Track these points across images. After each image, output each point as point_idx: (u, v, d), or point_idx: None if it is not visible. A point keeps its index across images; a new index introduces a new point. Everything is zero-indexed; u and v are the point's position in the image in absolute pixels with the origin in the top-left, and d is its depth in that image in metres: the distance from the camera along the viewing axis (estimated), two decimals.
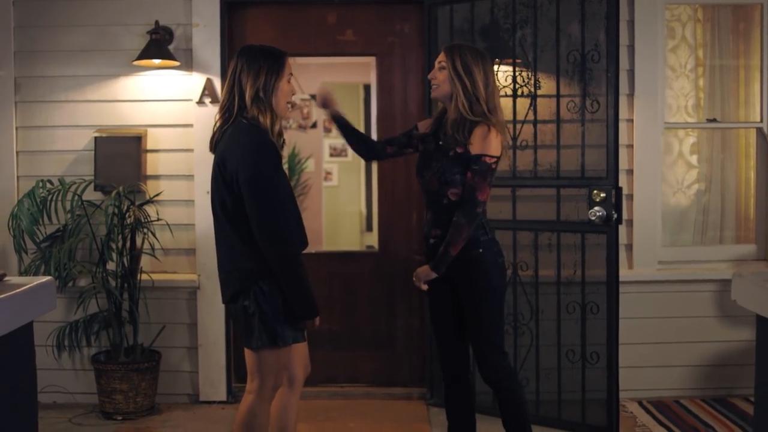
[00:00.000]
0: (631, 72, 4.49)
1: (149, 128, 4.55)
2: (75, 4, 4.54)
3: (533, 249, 4.15)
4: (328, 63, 7.20)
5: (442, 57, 3.28)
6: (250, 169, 2.83)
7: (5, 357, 2.43)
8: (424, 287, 3.31)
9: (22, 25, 4.55)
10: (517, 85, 4.15)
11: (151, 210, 4.41)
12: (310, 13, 4.69)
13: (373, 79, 4.92)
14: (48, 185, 4.30)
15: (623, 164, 4.40)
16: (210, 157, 3.04)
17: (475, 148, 3.16)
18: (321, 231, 7.93)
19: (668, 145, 4.77)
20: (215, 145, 3.01)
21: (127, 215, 4.27)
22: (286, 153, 3.18)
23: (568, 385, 4.10)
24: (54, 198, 4.27)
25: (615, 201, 3.91)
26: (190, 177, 4.54)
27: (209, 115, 4.34)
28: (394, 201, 4.75)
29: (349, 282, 4.79)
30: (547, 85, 4.14)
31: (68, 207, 4.29)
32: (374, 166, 4.90)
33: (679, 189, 4.83)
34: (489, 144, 3.15)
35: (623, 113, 4.39)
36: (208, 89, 4.49)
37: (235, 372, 4.65)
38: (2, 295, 2.37)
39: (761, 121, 4.63)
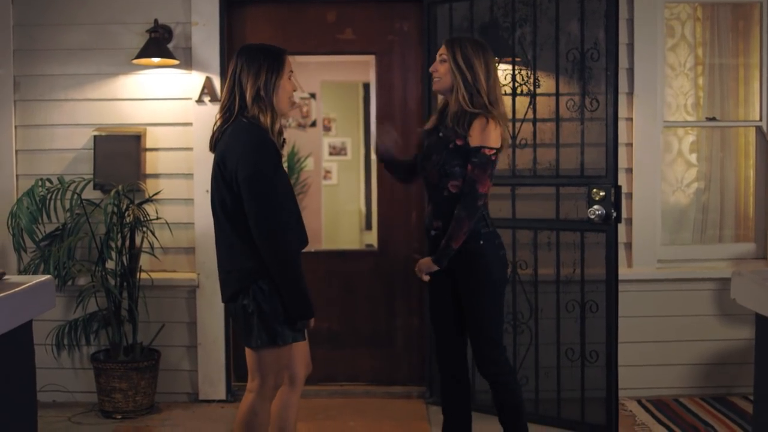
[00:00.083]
0: (631, 70, 4.49)
1: (148, 127, 4.55)
2: (74, 2, 4.54)
3: (532, 248, 4.15)
4: (327, 61, 7.21)
5: (443, 50, 3.28)
6: (250, 168, 2.83)
7: (4, 356, 2.43)
8: (426, 278, 3.33)
9: (22, 24, 4.54)
10: (517, 84, 4.15)
11: (150, 209, 4.41)
12: (309, 12, 4.69)
13: (372, 78, 4.92)
14: (47, 184, 4.30)
15: (622, 163, 4.40)
16: (209, 156, 3.04)
17: (474, 141, 3.16)
18: (320, 230, 7.93)
19: (668, 144, 4.77)
20: (215, 144, 3.01)
21: (126, 214, 4.27)
22: (285, 152, 3.17)
23: (567, 384, 4.10)
24: (53, 197, 4.26)
25: (614, 199, 3.91)
26: (189, 176, 4.54)
27: (209, 113, 4.35)
28: (393, 200, 4.75)
29: (349, 281, 4.79)
30: (547, 83, 4.14)
31: (67, 206, 4.29)
32: (374, 165, 4.90)
33: (679, 188, 4.83)
34: (488, 136, 3.15)
35: (622, 112, 4.39)
36: (207, 88, 4.49)
37: (235, 371, 4.65)
38: (1, 294, 2.37)
39: (760, 119, 4.63)
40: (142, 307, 4.39)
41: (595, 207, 3.93)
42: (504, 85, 4.15)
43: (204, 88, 4.49)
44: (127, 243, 4.33)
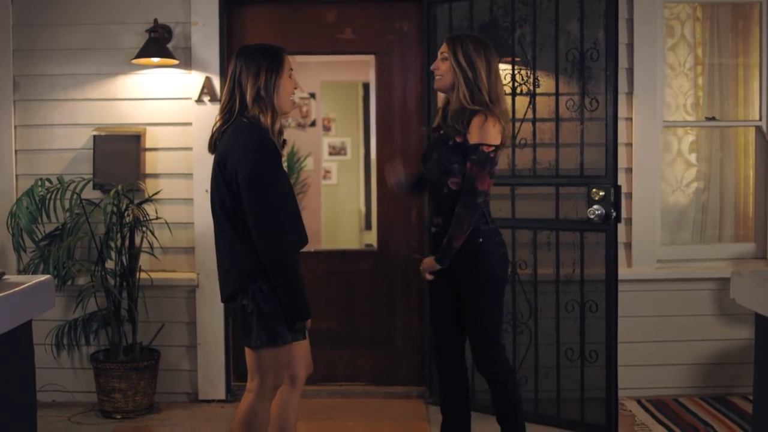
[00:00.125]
0: (630, 70, 4.49)
1: (148, 127, 4.55)
2: (74, 2, 4.54)
3: (532, 247, 4.15)
4: (327, 61, 7.21)
5: (444, 47, 3.28)
6: (250, 167, 2.83)
7: (4, 356, 2.43)
8: (429, 278, 3.33)
9: (21, 24, 4.54)
10: (516, 84, 4.15)
11: (150, 208, 4.41)
12: (309, 12, 4.69)
13: (372, 78, 4.92)
14: (47, 184, 4.30)
15: (622, 163, 4.40)
16: (209, 156, 3.04)
17: (473, 138, 3.16)
18: (320, 229, 7.93)
19: (667, 144, 4.77)
20: (214, 145, 3.01)
21: (126, 214, 4.27)
22: (285, 152, 3.17)
23: (567, 384, 4.10)
24: (53, 197, 4.26)
25: (614, 199, 3.91)
26: (189, 175, 4.54)
27: (208, 113, 4.35)
28: (393, 199, 4.74)
29: (348, 281, 4.79)
30: (546, 83, 4.14)
31: (67, 206, 4.29)
32: (373, 165, 4.90)
33: (678, 187, 4.83)
34: (486, 133, 3.15)
35: (622, 112, 4.39)
36: (207, 88, 4.49)
37: (234, 371, 4.65)
38: (1, 294, 2.37)
39: (760, 119, 4.63)
40: (141, 307, 4.39)
41: (595, 207, 3.93)
42: (504, 85, 4.14)
43: (203, 88, 4.49)
44: (127, 243, 4.33)
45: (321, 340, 4.57)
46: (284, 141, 3.04)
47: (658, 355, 4.55)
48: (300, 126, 8.07)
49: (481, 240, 3.23)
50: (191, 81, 4.52)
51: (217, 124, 3.01)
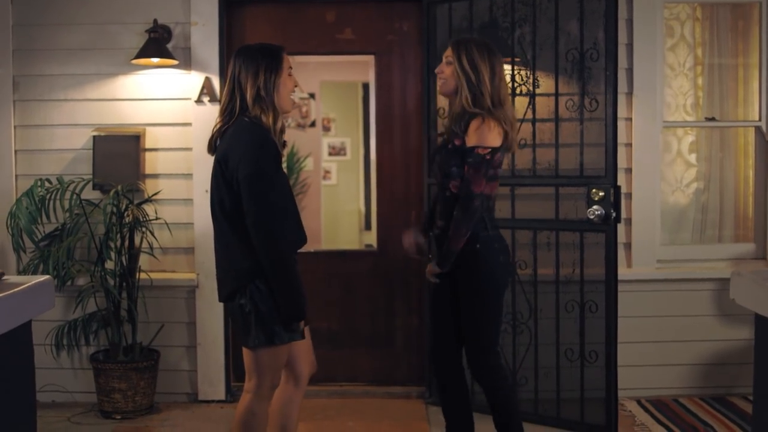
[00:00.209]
0: (630, 70, 4.49)
1: (148, 127, 4.55)
2: (74, 2, 4.53)
3: (532, 248, 4.15)
4: (326, 61, 7.21)
5: (449, 52, 3.27)
6: (251, 166, 2.83)
7: (4, 356, 2.42)
8: (434, 280, 3.32)
9: (21, 24, 4.54)
10: (516, 84, 4.15)
11: (149, 209, 4.41)
12: (309, 12, 4.69)
13: (371, 78, 4.92)
14: (46, 184, 4.30)
15: (622, 163, 4.40)
16: (209, 156, 3.04)
17: (470, 140, 3.16)
18: (320, 230, 7.92)
19: (667, 144, 4.77)
20: (214, 145, 3.01)
21: (125, 214, 4.27)
22: (285, 152, 3.17)
23: (566, 384, 4.10)
24: (52, 197, 4.26)
25: (614, 200, 3.91)
26: (188, 176, 4.54)
27: (208, 113, 4.35)
28: (392, 200, 4.75)
29: (348, 281, 4.79)
30: (546, 83, 4.14)
31: (67, 206, 4.28)
32: (373, 165, 4.90)
33: (678, 188, 4.83)
34: (483, 135, 3.13)
35: (622, 112, 4.39)
36: (206, 88, 4.49)
37: (234, 371, 4.65)
38: (1, 294, 2.37)
39: (760, 119, 4.63)
40: (141, 307, 4.39)
41: (595, 207, 3.93)
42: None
43: (203, 88, 4.49)
44: (127, 243, 4.33)
45: (321, 341, 4.55)
46: (284, 142, 3.04)
47: (658, 355, 4.55)
48: (300, 126, 8.06)
49: (478, 246, 3.19)
50: (191, 81, 4.52)
51: (217, 125, 3.01)
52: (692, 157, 4.83)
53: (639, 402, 4.48)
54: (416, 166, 4.65)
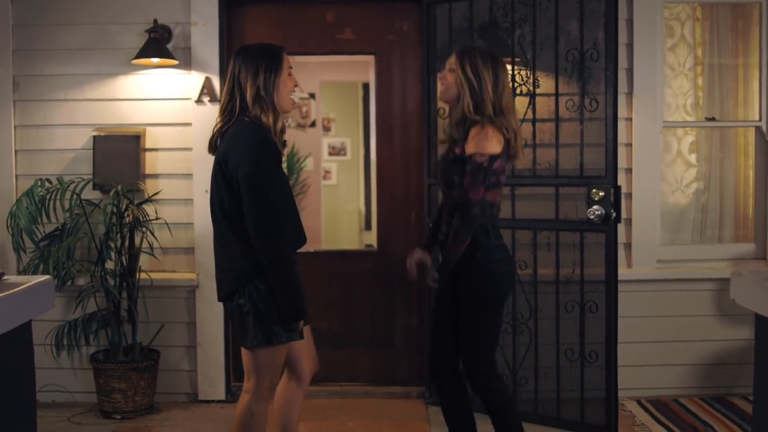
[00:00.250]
0: (630, 71, 4.49)
1: (148, 127, 4.55)
2: (74, 2, 4.54)
3: (532, 248, 4.15)
4: (327, 61, 7.21)
5: (453, 59, 3.24)
6: (251, 166, 2.83)
7: (4, 356, 2.42)
8: (435, 285, 3.30)
9: (21, 24, 4.54)
10: (516, 84, 4.15)
11: (149, 209, 4.41)
12: (309, 12, 4.69)
13: (372, 78, 4.92)
14: (47, 184, 4.30)
15: (622, 163, 4.40)
16: (209, 156, 3.04)
17: (468, 148, 3.12)
18: (320, 230, 7.93)
19: (667, 144, 4.77)
20: (214, 145, 3.01)
21: (125, 214, 4.27)
22: (285, 152, 3.17)
23: (566, 384, 4.10)
24: (53, 197, 4.26)
25: (614, 200, 3.91)
26: (188, 176, 4.54)
27: (208, 113, 4.35)
28: (393, 200, 4.75)
29: (348, 281, 4.79)
30: (546, 83, 4.14)
31: (67, 206, 4.28)
32: (373, 165, 4.91)
33: (678, 188, 4.83)
34: (481, 142, 3.09)
35: (622, 112, 4.39)
36: (206, 88, 4.49)
37: (234, 371, 4.65)
38: (1, 294, 2.37)
39: (760, 119, 4.63)
40: (141, 307, 4.39)
41: (595, 207, 3.93)
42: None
43: (203, 88, 4.49)
44: (127, 243, 4.33)
45: (321, 340, 4.54)
46: (284, 141, 3.04)
47: (658, 355, 4.55)
48: (300, 126, 8.06)
49: (479, 254, 3.15)
50: (191, 81, 4.52)
51: (218, 125, 3.01)
52: (692, 157, 4.83)
53: (639, 402, 4.48)
54: (416, 166, 4.65)
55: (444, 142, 3.39)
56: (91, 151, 4.47)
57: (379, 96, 4.76)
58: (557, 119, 4.09)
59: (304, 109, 8.05)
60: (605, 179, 3.94)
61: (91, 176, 4.43)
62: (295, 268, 2.91)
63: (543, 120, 4.13)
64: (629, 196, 4.51)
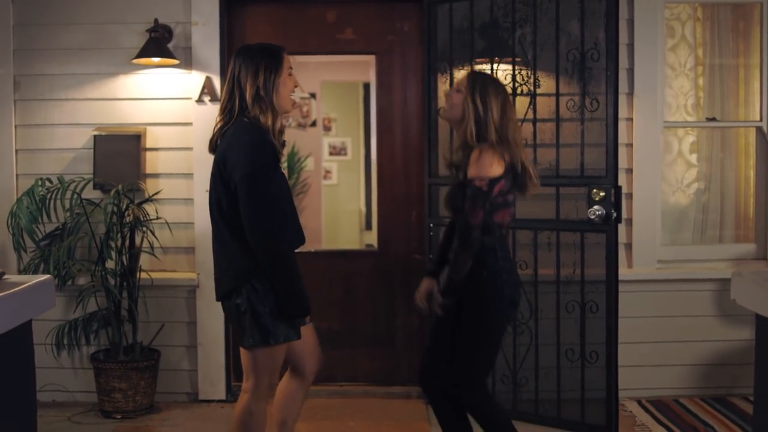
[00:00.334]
0: (631, 71, 4.49)
1: (148, 126, 4.55)
2: (74, 2, 4.54)
3: (532, 248, 4.15)
4: (327, 61, 7.21)
5: (462, 81, 3.22)
6: (247, 167, 2.83)
7: (4, 355, 2.43)
8: (439, 312, 3.18)
9: (22, 23, 4.54)
10: (517, 84, 4.15)
11: (150, 208, 4.41)
12: (309, 12, 4.69)
13: (372, 78, 4.92)
14: (47, 183, 4.30)
15: (623, 163, 4.40)
16: (209, 156, 3.04)
17: (469, 172, 3.08)
18: (320, 230, 7.92)
19: (668, 144, 4.77)
20: (215, 145, 3.01)
21: (126, 214, 4.27)
22: (285, 152, 3.17)
23: (567, 384, 4.09)
24: (53, 196, 4.26)
25: (614, 200, 3.91)
26: (189, 175, 4.54)
27: (209, 113, 4.35)
28: (393, 200, 4.75)
29: (349, 281, 4.79)
30: (547, 83, 4.14)
31: (67, 205, 4.29)
32: (374, 165, 4.91)
33: (679, 188, 4.83)
34: (480, 167, 3.04)
35: (623, 112, 4.39)
36: (207, 88, 4.49)
37: (235, 370, 4.64)
38: (1, 294, 2.37)
39: (761, 120, 4.63)
40: (141, 306, 4.39)
41: (595, 207, 3.93)
42: (504, 85, 4.14)
43: (204, 87, 4.49)
44: (127, 243, 4.33)
45: (321, 340, 4.50)
46: (284, 142, 3.04)
47: (659, 355, 4.55)
48: (300, 126, 8.06)
49: (485, 274, 3.10)
50: (191, 81, 4.52)
51: (218, 125, 3.01)
52: (693, 158, 4.83)
53: (639, 402, 4.48)
54: (417, 165, 4.65)
55: (450, 168, 3.34)
56: (92, 151, 4.47)
57: (379, 96, 4.76)
58: (558, 119, 4.09)
59: (304, 109, 8.05)
60: (606, 179, 3.94)
61: (91, 176, 4.43)
62: (296, 266, 2.91)
63: (544, 120, 4.13)
64: (630, 196, 4.51)
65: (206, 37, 4.51)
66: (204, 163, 4.15)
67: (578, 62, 4.03)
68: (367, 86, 7.99)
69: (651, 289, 4.53)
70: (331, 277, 4.77)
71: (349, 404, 4.55)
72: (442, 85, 4.36)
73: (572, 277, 4.09)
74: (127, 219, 4.28)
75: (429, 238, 4.42)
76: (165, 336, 4.52)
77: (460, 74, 4.31)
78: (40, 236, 4.31)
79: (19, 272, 4.33)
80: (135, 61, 4.39)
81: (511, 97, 3.27)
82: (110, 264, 4.34)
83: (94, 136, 4.47)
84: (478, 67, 4.28)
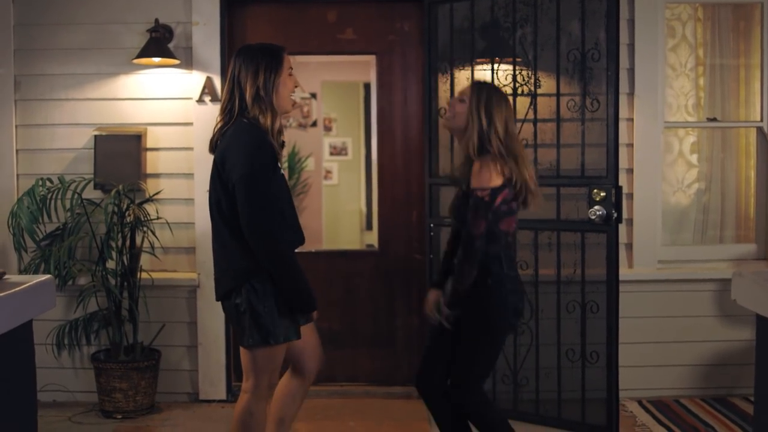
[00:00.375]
0: (632, 71, 4.49)
1: (149, 126, 4.55)
2: (75, 2, 4.54)
3: (533, 248, 4.14)
4: (328, 61, 7.21)
5: (466, 91, 3.21)
6: (245, 168, 2.84)
7: (5, 355, 2.43)
8: (448, 325, 3.16)
9: (22, 23, 4.55)
10: (517, 84, 4.15)
11: (150, 208, 4.41)
12: (310, 12, 4.69)
13: (373, 78, 4.92)
14: (48, 183, 4.30)
15: (623, 163, 4.40)
16: (210, 156, 3.04)
17: (472, 183, 3.08)
18: (321, 230, 7.92)
19: (668, 144, 4.77)
20: (215, 145, 3.01)
21: (126, 214, 4.27)
22: (286, 152, 3.17)
23: (567, 385, 4.09)
24: (54, 196, 4.26)
25: (615, 200, 3.91)
26: (189, 175, 4.54)
27: (209, 113, 4.35)
28: (394, 200, 4.75)
29: (349, 281, 4.79)
30: (547, 83, 4.14)
31: (68, 205, 4.29)
32: (374, 165, 4.91)
33: (679, 188, 4.83)
34: (481, 177, 3.04)
35: (623, 112, 4.39)
36: (207, 87, 4.49)
37: (235, 370, 4.64)
38: (2, 294, 2.37)
39: (761, 120, 4.63)
40: (142, 306, 4.39)
41: (596, 207, 3.93)
42: (505, 86, 4.15)
43: (205, 87, 4.49)
44: (128, 243, 4.33)
45: (322, 340, 4.51)
46: (283, 142, 3.04)
47: (659, 355, 4.54)
48: (301, 126, 8.07)
49: (489, 282, 3.10)
50: (192, 81, 4.52)
51: (218, 125, 3.01)
52: (693, 158, 4.83)
53: (640, 402, 4.48)
54: (417, 166, 4.65)
55: (453, 182, 3.33)
56: (93, 151, 4.47)
57: (380, 96, 4.76)
58: (558, 119, 4.09)
59: (305, 109, 8.05)
60: (606, 179, 3.94)
61: (92, 176, 4.44)
62: (297, 264, 2.92)
63: (544, 120, 4.13)
64: (630, 196, 4.51)
65: (207, 37, 4.51)
66: (204, 164, 4.14)
67: (579, 62, 4.03)
68: (367, 86, 7.99)
69: (651, 289, 4.53)
70: (331, 277, 4.78)
71: (350, 404, 4.55)
72: (443, 85, 4.36)
73: (573, 278, 4.09)
74: (128, 219, 4.28)
75: (429, 238, 4.42)
76: (165, 336, 4.52)
77: (460, 74, 4.31)
78: (41, 236, 4.31)
79: (20, 272, 4.33)
80: (136, 61, 4.39)
81: (511, 107, 3.24)
82: (111, 264, 4.34)
83: (95, 136, 4.47)
84: (478, 67, 4.28)
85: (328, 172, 8.71)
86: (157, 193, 4.49)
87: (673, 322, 4.54)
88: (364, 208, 8.59)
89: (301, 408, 3.27)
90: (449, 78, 4.33)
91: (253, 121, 2.92)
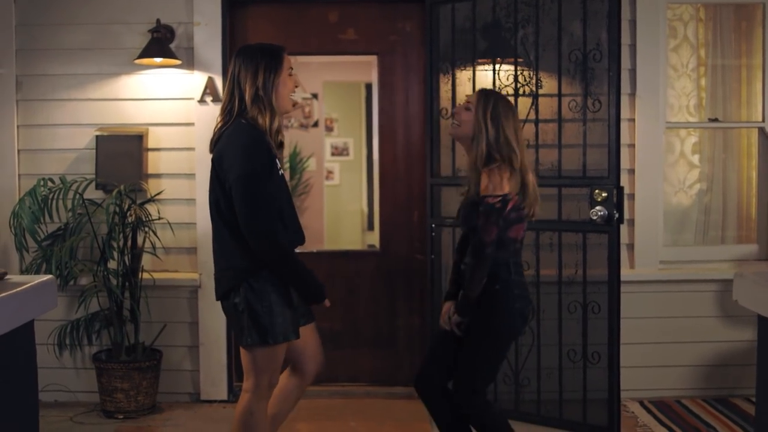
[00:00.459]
0: (633, 71, 4.49)
1: (150, 127, 4.55)
2: (76, 2, 4.54)
3: (535, 248, 4.14)
4: (329, 62, 7.22)
5: (473, 99, 3.20)
6: (241, 168, 2.84)
7: (6, 355, 2.43)
8: (459, 333, 3.15)
9: (24, 23, 4.55)
10: (519, 85, 4.15)
11: (152, 209, 4.41)
12: (311, 12, 4.69)
13: (374, 78, 4.93)
14: (49, 184, 4.30)
15: (625, 164, 4.40)
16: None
17: (482, 190, 3.08)
18: (322, 230, 7.92)
19: (670, 145, 4.77)
20: (214, 145, 3.02)
21: (128, 214, 4.27)
22: (287, 152, 3.18)
23: (569, 385, 4.09)
24: (55, 196, 4.26)
25: (616, 200, 3.91)
26: (191, 176, 4.55)
27: (210, 113, 4.35)
28: (395, 200, 4.75)
29: (351, 281, 4.79)
30: (549, 84, 4.13)
31: (69, 205, 4.28)
32: (375, 166, 4.91)
33: (681, 189, 4.83)
34: (492, 184, 3.04)
35: (625, 113, 4.39)
36: (209, 88, 4.49)
37: (236, 371, 4.64)
38: (3, 294, 2.37)
39: (763, 120, 4.63)
40: (143, 307, 4.39)
41: (598, 208, 3.93)
42: (506, 86, 4.15)
43: (206, 88, 4.49)
44: (129, 243, 4.34)
45: (323, 340, 4.48)
46: (281, 142, 3.03)
47: (661, 356, 4.54)
48: (302, 126, 8.07)
49: (497, 287, 3.10)
50: (194, 81, 4.52)
51: (218, 125, 3.01)
52: (695, 158, 4.83)
53: (641, 403, 4.47)
54: (419, 166, 4.65)
55: (465, 192, 3.32)
56: (94, 151, 4.47)
57: (381, 96, 4.76)
58: (560, 120, 4.09)
59: (306, 110, 8.06)
60: (608, 180, 3.94)
61: (93, 176, 4.44)
62: (297, 259, 2.96)
63: (546, 120, 4.13)
64: (632, 196, 4.50)
65: (208, 38, 4.51)
66: (206, 164, 4.11)
67: (580, 63, 4.02)
68: (369, 87, 7.99)
69: (653, 289, 4.53)
70: (333, 277, 4.77)
71: (351, 404, 4.55)
72: (444, 86, 4.36)
73: (574, 278, 4.09)
74: (129, 219, 4.29)
75: (431, 239, 4.42)
76: (167, 336, 4.52)
77: (462, 75, 4.31)
78: (42, 236, 4.31)
79: (21, 272, 4.33)
80: (137, 61, 4.39)
81: (517, 114, 3.24)
82: (112, 264, 4.34)
83: (96, 136, 4.47)
84: (480, 68, 4.28)
85: (330, 172, 8.71)
86: (158, 194, 4.49)
87: (675, 322, 4.54)
88: (365, 209, 8.59)
89: (295, 408, 3.26)
90: (451, 78, 4.33)
91: (252, 122, 2.92)
